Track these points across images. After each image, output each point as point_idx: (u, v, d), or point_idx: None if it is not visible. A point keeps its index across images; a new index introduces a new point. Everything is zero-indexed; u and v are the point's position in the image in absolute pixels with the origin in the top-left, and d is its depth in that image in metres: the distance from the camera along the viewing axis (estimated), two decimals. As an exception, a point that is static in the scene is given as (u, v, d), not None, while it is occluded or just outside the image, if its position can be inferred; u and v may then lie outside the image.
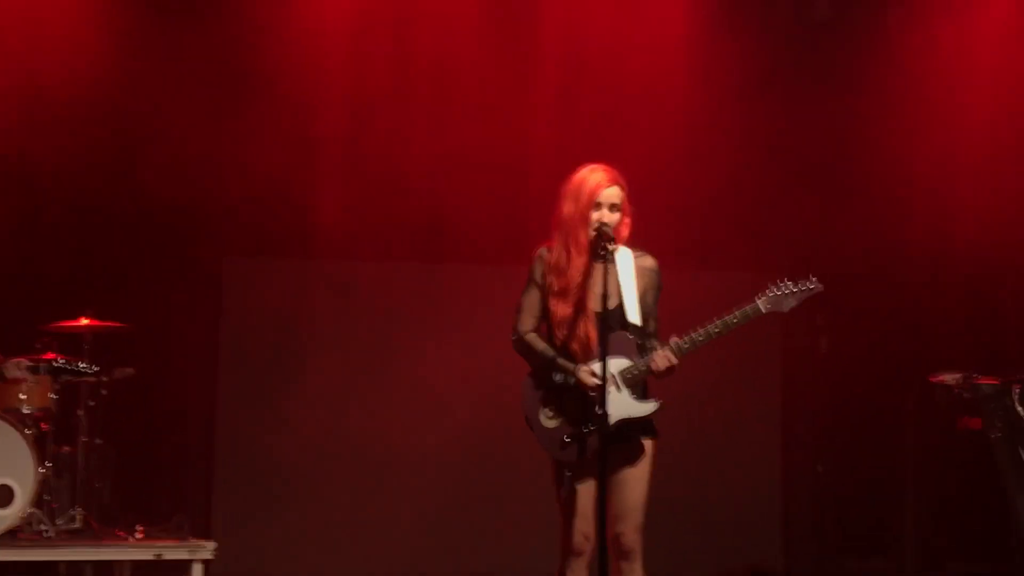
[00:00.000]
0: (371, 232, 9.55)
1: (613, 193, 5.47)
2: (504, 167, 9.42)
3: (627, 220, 5.51)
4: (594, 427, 5.26)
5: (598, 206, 5.43)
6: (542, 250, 5.54)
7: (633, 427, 5.41)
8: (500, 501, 9.35)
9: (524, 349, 5.52)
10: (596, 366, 5.33)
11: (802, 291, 5.44)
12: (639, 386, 5.43)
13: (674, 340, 5.36)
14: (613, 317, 5.40)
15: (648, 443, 5.46)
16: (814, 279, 5.45)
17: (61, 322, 8.44)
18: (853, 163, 9.62)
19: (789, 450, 9.83)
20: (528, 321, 5.55)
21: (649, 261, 5.56)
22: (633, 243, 5.54)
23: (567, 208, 5.47)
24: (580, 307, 5.44)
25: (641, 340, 5.46)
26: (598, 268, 5.39)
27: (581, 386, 5.35)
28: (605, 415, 5.20)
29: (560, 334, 5.46)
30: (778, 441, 9.79)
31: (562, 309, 5.46)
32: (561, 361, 5.42)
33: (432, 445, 9.46)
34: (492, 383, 8.93)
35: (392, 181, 9.52)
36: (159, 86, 9.29)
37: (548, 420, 5.45)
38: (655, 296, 5.54)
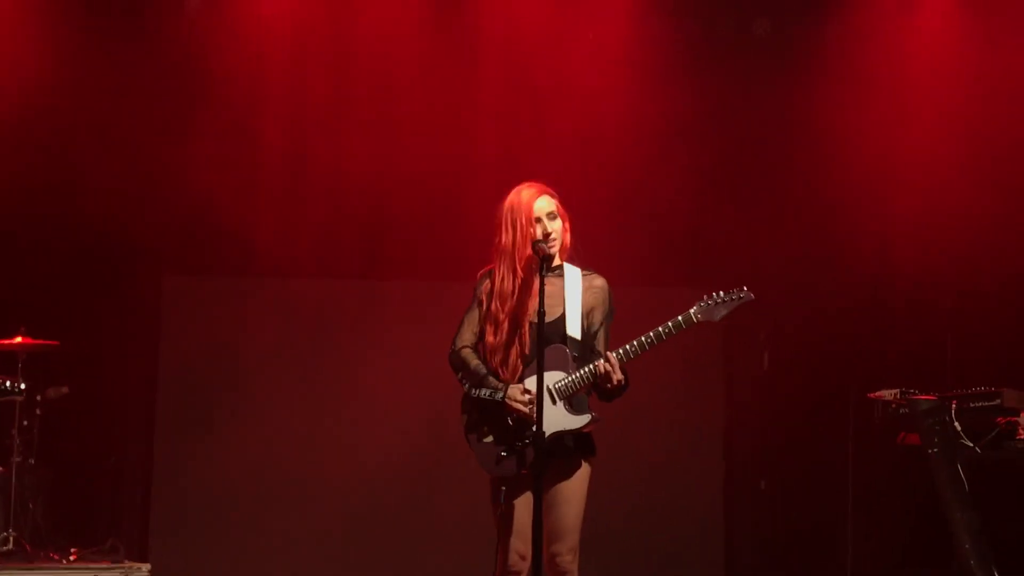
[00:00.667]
0: (309, 250, 9.49)
1: (546, 203, 5.49)
2: (443, 184, 9.39)
3: (567, 225, 5.52)
4: (529, 441, 5.23)
5: (537, 221, 5.45)
6: (489, 270, 5.52)
7: (569, 443, 5.38)
8: (438, 517, 9.30)
9: (458, 363, 5.51)
10: (529, 381, 5.32)
11: (733, 300, 5.48)
12: (577, 400, 5.41)
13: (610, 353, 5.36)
14: (552, 330, 5.39)
15: (585, 461, 5.43)
16: (745, 289, 5.49)
17: (-6, 340, 8.34)
18: (794, 178, 9.66)
19: (731, 466, 9.84)
20: (467, 337, 5.54)
21: (599, 281, 5.57)
22: (583, 263, 5.54)
23: (506, 234, 5.47)
24: (516, 325, 5.43)
25: (579, 353, 5.44)
26: (535, 282, 5.38)
27: (506, 407, 5.33)
28: (541, 432, 5.17)
29: (491, 357, 5.45)
30: (720, 457, 9.80)
31: (497, 331, 5.45)
32: (491, 380, 5.40)
33: (370, 462, 9.40)
34: (430, 399, 8.90)
35: (331, 199, 9.48)
36: (97, 104, 9.20)
37: (484, 435, 5.41)
38: (604, 317, 5.54)
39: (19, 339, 8.32)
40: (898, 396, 7.66)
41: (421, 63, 9.42)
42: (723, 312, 5.47)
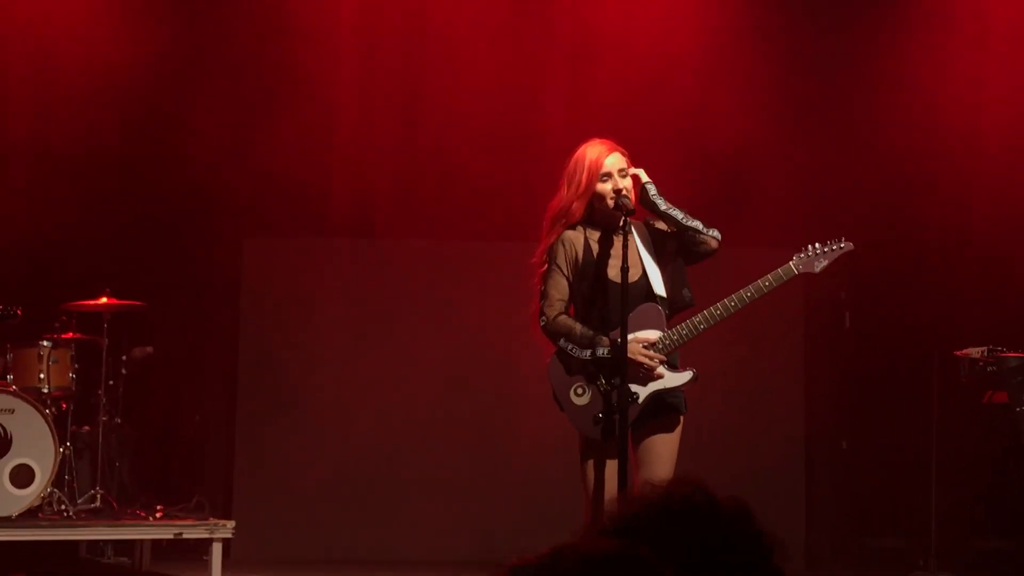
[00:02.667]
0: (386, 210, 9.51)
1: (616, 159, 5.41)
2: (516, 144, 9.35)
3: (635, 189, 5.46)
4: (633, 399, 5.22)
5: (607, 176, 5.36)
6: (564, 233, 5.45)
7: (666, 401, 5.36)
8: (519, 478, 9.29)
9: (559, 329, 5.39)
10: (642, 333, 5.29)
11: (833, 251, 5.45)
12: (674, 358, 5.39)
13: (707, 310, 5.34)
14: (637, 290, 5.35)
15: (680, 417, 5.41)
16: (843, 239, 5.45)
17: (81, 301, 8.41)
18: (876, 132, 9.53)
19: (812, 427, 9.76)
20: (556, 304, 5.44)
21: (663, 225, 5.49)
22: (641, 217, 5.50)
23: (571, 189, 5.39)
24: (601, 287, 5.38)
25: (668, 311, 5.41)
26: (616, 242, 5.33)
27: (632, 361, 5.25)
28: (627, 389, 5.16)
29: (586, 313, 5.40)
30: (801, 418, 9.73)
31: (585, 296, 5.40)
32: (603, 338, 5.32)
33: (450, 423, 9.42)
34: (507, 358, 8.90)
35: (405, 160, 9.48)
36: (181, 69, 9.28)
37: (578, 398, 5.38)
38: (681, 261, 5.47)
39: (104, 299, 8.39)
40: (985, 353, 7.58)
41: (494, 20, 9.37)
42: (823, 263, 5.44)
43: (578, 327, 5.37)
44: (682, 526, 1.93)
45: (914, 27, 9.39)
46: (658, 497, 1.99)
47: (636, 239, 5.41)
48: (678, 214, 5.36)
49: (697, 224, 5.37)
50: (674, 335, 5.34)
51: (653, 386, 5.30)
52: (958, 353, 7.68)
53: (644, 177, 5.40)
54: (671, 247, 5.44)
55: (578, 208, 5.38)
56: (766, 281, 5.34)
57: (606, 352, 5.27)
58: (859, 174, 9.57)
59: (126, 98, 9.21)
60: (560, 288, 5.44)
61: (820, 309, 9.69)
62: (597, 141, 5.46)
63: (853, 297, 9.64)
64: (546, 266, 5.44)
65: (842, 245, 5.47)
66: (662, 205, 5.36)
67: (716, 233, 5.39)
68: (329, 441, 9.40)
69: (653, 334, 5.34)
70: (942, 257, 9.53)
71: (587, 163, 5.36)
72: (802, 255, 5.42)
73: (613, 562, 1.52)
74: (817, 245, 5.43)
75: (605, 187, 5.36)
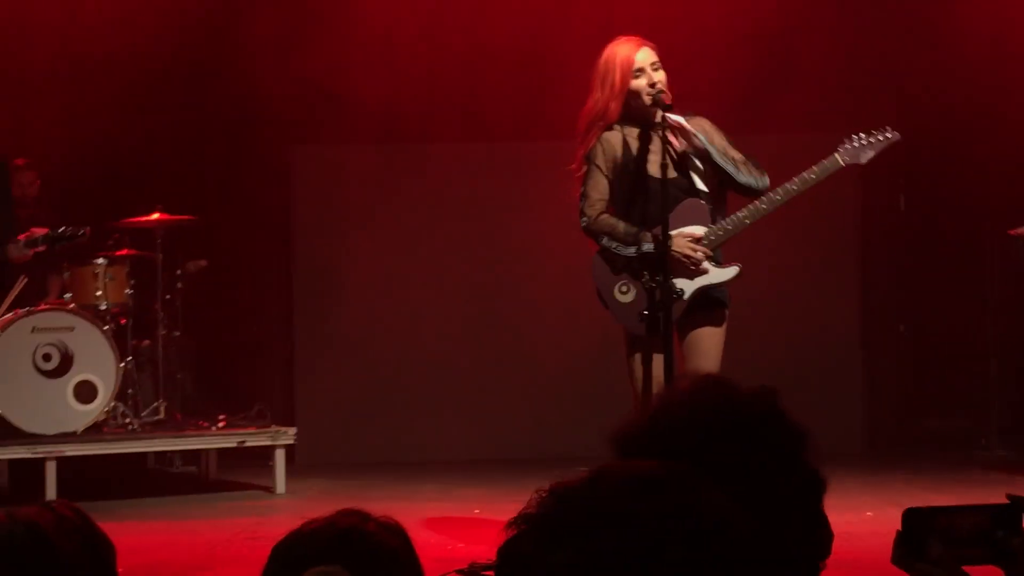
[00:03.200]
0: (442, 115, 9.43)
1: (646, 54, 5.32)
2: (541, 47, 9.20)
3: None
4: (676, 297, 5.20)
5: (640, 72, 5.29)
6: (602, 134, 5.40)
7: (710, 295, 5.35)
8: (572, 374, 9.29)
9: (603, 227, 5.37)
10: (688, 229, 5.25)
11: (880, 141, 5.36)
12: (718, 254, 5.36)
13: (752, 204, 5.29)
14: (678, 186, 5.31)
15: (724, 313, 5.39)
16: (890, 128, 5.35)
17: (133, 218, 8.49)
18: (928, 10, 9.32)
19: (869, 310, 9.71)
20: (597, 204, 5.42)
21: (701, 120, 5.42)
22: (681, 109, 5.40)
23: (605, 90, 5.33)
24: (642, 184, 5.34)
25: (713, 206, 5.37)
26: (656, 138, 5.27)
27: (677, 255, 5.23)
28: (671, 285, 5.15)
29: (627, 212, 5.36)
30: (858, 302, 9.67)
31: (626, 193, 5.36)
32: (647, 234, 5.29)
33: (510, 327, 9.44)
34: (554, 252, 8.85)
35: (432, 69, 9.41)
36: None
37: (622, 295, 5.38)
38: (724, 137, 5.38)
39: (156, 216, 8.45)
40: (1041, 232, 7.49)
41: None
42: (870, 154, 5.34)
43: (621, 225, 5.35)
44: (703, 429, 1.92)
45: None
46: (676, 401, 1.98)
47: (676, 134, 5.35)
48: (731, 168, 5.26)
49: (751, 181, 5.26)
50: (719, 229, 5.31)
51: (699, 281, 5.29)
52: (1012, 232, 7.58)
53: (689, 127, 5.28)
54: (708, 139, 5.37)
55: (615, 108, 5.33)
56: (811, 173, 5.27)
57: (651, 248, 5.24)
58: (911, 53, 9.39)
59: (170, 14, 9.18)
60: (600, 187, 5.40)
61: (875, 192, 9.57)
62: (624, 39, 5.39)
63: (908, 179, 9.52)
64: (585, 168, 5.41)
65: (888, 135, 5.36)
66: (716, 157, 5.26)
67: (766, 181, 5.29)
68: (391, 345, 9.46)
69: (698, 230, 5.31)
70: (998, 136, 9.36)
71: (619, 61, 5.29)
72: (847, 145, 5.32)
73: (655, 484, 1.51)
74: (863, 135, 5.33)
75: (640, 83, 5.29)
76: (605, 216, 5.39)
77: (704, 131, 5.36)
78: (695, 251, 5.25)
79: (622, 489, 1.49)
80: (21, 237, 7.80)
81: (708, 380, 2.05)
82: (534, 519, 1.49)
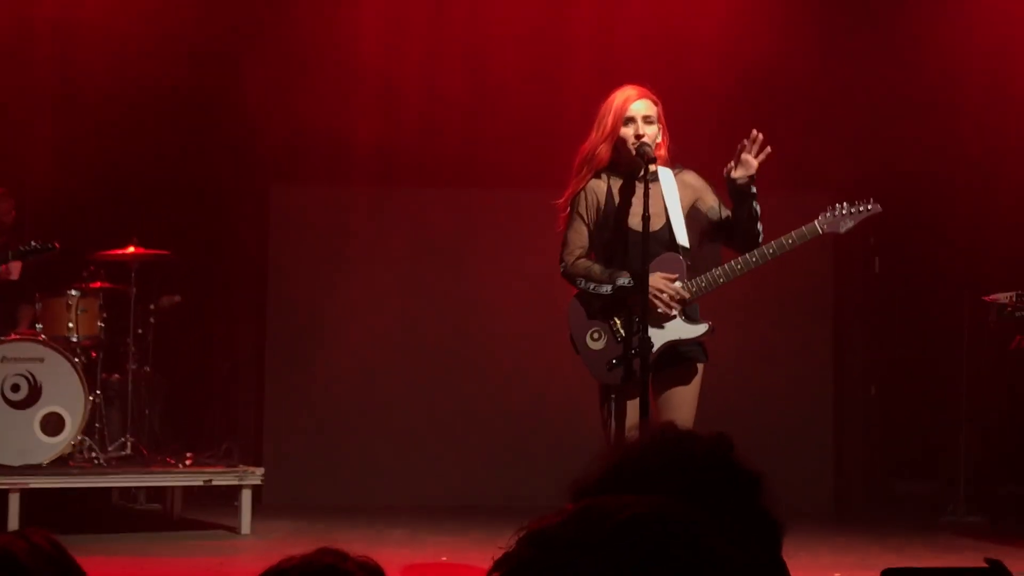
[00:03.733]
0: (407, 158, 9.48)
1: (643, 106, 5.33)
2: (539, 94, 9.29)
3: (666, 138, 5.39)
4: (635, 352, 5.17)
5: (630, 121, 5.30)
6: (589, 182, 5.40)
7: (683, 350, 5.33)
8: (543, 423, 9.30)
9: (579, 271, 5.36)
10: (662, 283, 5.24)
11: (860, 212, 5.35)
12: (692, 309, 5.35)
13: (727, 264, 5.28)
14: (658, 239, 5.30)
15: (698, 367, 5.37)
16: (872, 200, 5.36)
17: (108, 250, 8.45)
18: (905, 81, 9.42)
19: (841, 372, 9.74)
20: (576, 252, 5.41)
21: (689, 175, 5.42)
22: (671, 162, 5.42)
23: (598, 132, 5.35)
24: (621, 235, 5.33)
25: (691, 262, 5.36)
26: (638, 188, 5.28)
27: (655, 290, 5.21)
28: (647, 339, 5.13)
29: (606, 262, 5.36)
30: (830, 363, 9.70)
31: (605, 243, 5.36)
32: (624, 272, 5.24)
33: (475, 367, 9.44)
34: (532, 304, 8.89)
35: (426, 111, 9.44)
36: (210, 26, 9.24)
37: (593, 342, 5.36)
38: (714, 196, 5.37)
39: (132, 249, 8.41)
40: (1014, 299, 7.51)
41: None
42: (849, 224, 5.34)
43: (596, 266, 5.34)
44: (654, 475, 1.91)
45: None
46: (631, 449, 1.97)
47: (662, 187, 5.35)
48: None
49: (789, 239, 5.28)
50: (693, 285, 5.31)
51: (668, 334, 5.26)
52: (987, 298, 7.61)
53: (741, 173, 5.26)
54: (701, 211, 5.37)
55: (604, 151, 5.34)
56: (789, 239, 5.27)
57: (627, 282, 5.22)
58: (887, 120, 9.46)
59: (156, 50, 9.18)
60: (580, 236, 5.40)
61: (850, 254, 9.63)
62: (631, 86, 5.39)
63: (882, 242, 9.57)
64: (568, 212, 5.41)
65: (870, 207, 5.36)
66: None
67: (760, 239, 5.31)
68: (361, 386, 9.44)
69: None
70: (971, 203, 9.44)
71: (615, 106, 5.32)
72: (828, 214, 5.32)
73: (642, 522, 1.50)
74: (844, 204, 5.32)
75: (627, 131, 5.29)
76: (583, 260, 5.40)
77: (693, 187, 5.37)
78: (669, 287, 5.22)
79: (609, 529, 1.49)
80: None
81: (664, 429, 2.04)
82: (520, 566, 1.48)
